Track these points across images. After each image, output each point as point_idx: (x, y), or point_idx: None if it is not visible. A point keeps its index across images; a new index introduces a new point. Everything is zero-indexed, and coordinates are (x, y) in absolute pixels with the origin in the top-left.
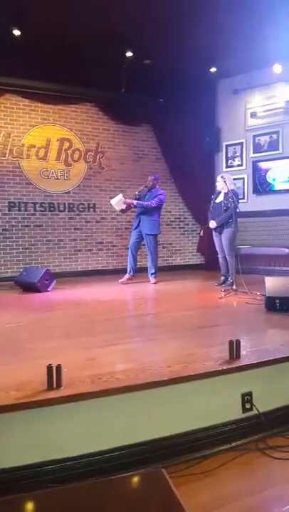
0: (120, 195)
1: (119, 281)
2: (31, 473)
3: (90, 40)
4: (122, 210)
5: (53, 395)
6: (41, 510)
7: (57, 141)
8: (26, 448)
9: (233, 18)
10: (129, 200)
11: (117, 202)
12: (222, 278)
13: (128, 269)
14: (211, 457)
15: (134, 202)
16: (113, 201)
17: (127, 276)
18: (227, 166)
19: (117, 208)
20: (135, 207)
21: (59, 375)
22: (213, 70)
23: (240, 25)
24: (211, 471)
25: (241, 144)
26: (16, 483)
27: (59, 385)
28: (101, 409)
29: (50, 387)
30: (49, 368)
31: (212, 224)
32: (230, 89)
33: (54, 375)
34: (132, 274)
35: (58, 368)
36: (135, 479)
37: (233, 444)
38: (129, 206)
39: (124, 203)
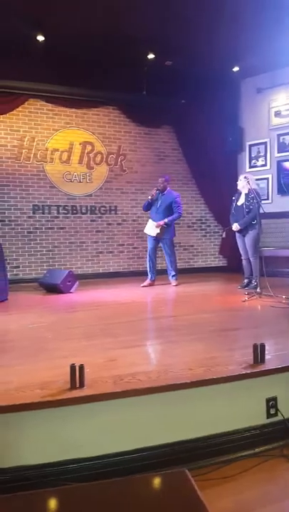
0: (149, 222)
1: (141, 285)
2: (53, 471)
3: (111, 44)
4: (158, 234)
5: (76, 394)
6: (64, 505)
7: (79, 144)
8: (49, 446)
9: (255, 15)
10: (160, 222)
11: (150, 228)
12: (245, 281)
13: (149, 275)
14: (233, 462)
15: (166, 220)
16: (147, 230)
17: (148, 281)
18: (250, 166)
19: (153, 233)
20: (167, 225)
21: (82, 374)
22: (236, 69)
23: (263, 22)
24: (233, 476)
25: (265, 143)
26: (39, 480)
27: (82, 385)
28: (122, 410)
29: (73, 386)
30: (72, 367)
31: (235, 227)
32: (253, 88)
33: (77, 375)
34: (153, 279)
35: (81, 367)
36: (158, 479)
37: (257, 450)
38: (162, 227)
39: (157, 226)
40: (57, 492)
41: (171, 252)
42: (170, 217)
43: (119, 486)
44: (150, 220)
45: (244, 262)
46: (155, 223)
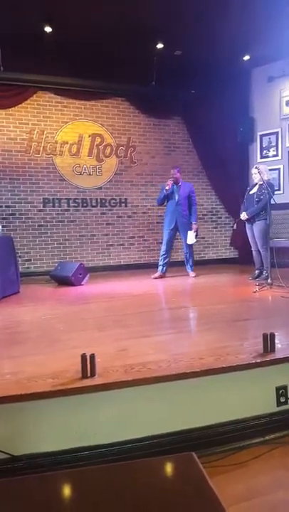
0: (189, 234)
1: (152, 276)
2: (67, 458)
3: (120, 34)
4: (196, 235)
5: (87, 383)
6: (75, 487)
7: (89, 136)
8: (61, 433)
9: (266, 2)
10: (194, 227)
11: (192, 238)
12: (256, 272)
13: (161, 267)
14: (244, 449)
15: (196, 225)
16: (190, 241)
17: (159, 273)
18: (262, 157)
19: (194, 240)
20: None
21: (93, 364)
22: (246, 58)
23: (274, 9)
24: (244, 463)
25: (277, 133)
26: (52, 467)
27: (93, 374)
28: (133, 399)
29: (84, 375)
30: (83, 357)
31: (243, 216)
32: (264, 77)
33: (88, 364)
34: (164, 271)
35: (92, 357)
36: (166, 461)
37: (267, 438)
38: (197, 231)
39: (194, 231)
40: (68, 474)
41: (190, 245)
42: (194, 216)
43: (128, 469)
44: (188, 233)
45: (254, 253)
46: (191, 232)
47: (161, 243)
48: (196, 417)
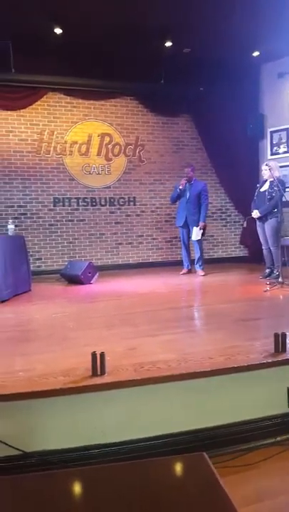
0: (194, 229)
1: (180, 273)
2: (77, 456)
3: (128, 33)
4: (203, 234)
5: (97, 381)
6: (85, 485)
7: (98, 136)
8: (72, 431)
9: None
10: (201, 224)
11: (195, 234)
12: (267, 270)
13: (185, 264)
14: (255, 450)
15: (203, 223)
16: (194, 237)
17: (185, 269)
18: (272, 154)
19: (199, 237)
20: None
21: (103, 362)
22: (256, 54)
23: (284, 4)
24: (255, 464)
25: (287, 129)
26: (62, 465)
27: (103, 372)
28: (143, 397)
29: (94, 373)
30: (93, 355)
31: (255, 214)
32: (274, 73)
33: (98, 362)
34: (189, 267)
35: (102, 355)
36: (177, 461)
37: (278, 439)
38: (203, 228)
39: (201, 228)
40: (79, 472)
41: (200, 244)
42: (203, 214)
43: (139, 468)
44: (193, 229)
45: (265, 252)
46: (197, 228)
47: (170, 242)
48: (206, 417)
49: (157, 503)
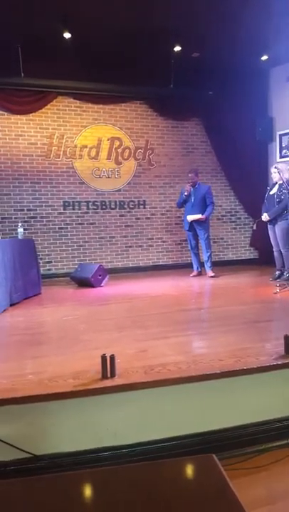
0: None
1: (190, 275)
2: (87, 458)
3: (137, 37)
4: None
5: (107, 383)
6: (96, 486)
7: (107, 140)
8: (82, 434)
9: (283, 1)
10: (201, 216)
11: (194, 216)
12: (277, 273)
13: (194, 266)
14: (266, 452)
15: (203, 217)
16: (190, 218)
17: (195, 272)
18: (281, 156)
19: (194, 218)
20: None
21: (113, 364)
22: (264, 57)
23: None
24: (266, 466)
25: None
26: (73, 467)
27: (113, 375)
28: (153, 400)
29: (104, 376)
30: (103, 357)
31: (264, 217)
32: (283, 76)
33: (108, 365)
34: (199, 270)
35: (112, 357)
36: (187, 462)
37: None
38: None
39: (192, 220)
40: (89, 474)
41: (208, 246)
42: (207, 212)
43: (149, 469)
44: (187, 216)
45: (276, 254)
46: (198, 215)
47: (180, 244)
48: (216, 419)
49: (168, 505)
